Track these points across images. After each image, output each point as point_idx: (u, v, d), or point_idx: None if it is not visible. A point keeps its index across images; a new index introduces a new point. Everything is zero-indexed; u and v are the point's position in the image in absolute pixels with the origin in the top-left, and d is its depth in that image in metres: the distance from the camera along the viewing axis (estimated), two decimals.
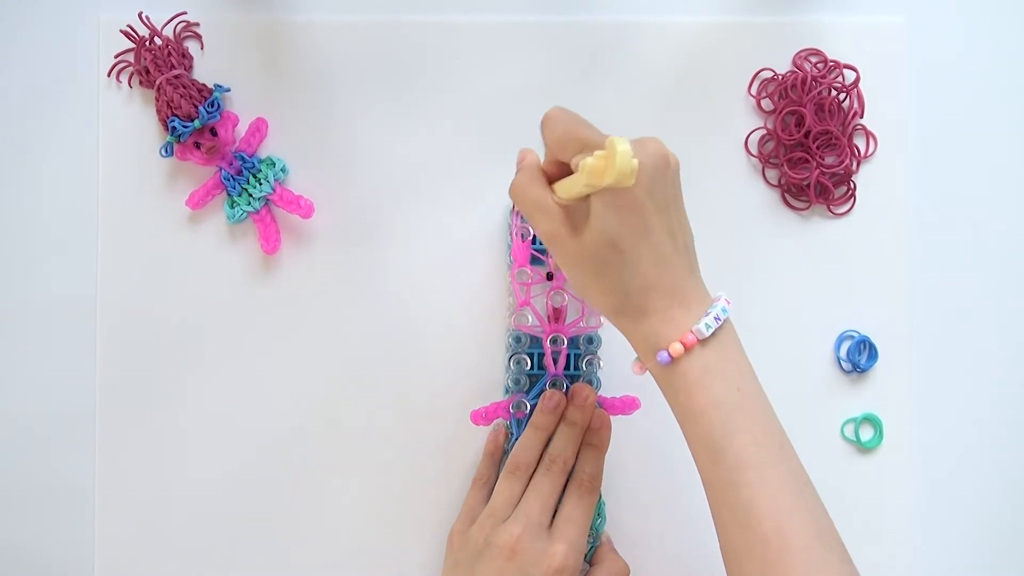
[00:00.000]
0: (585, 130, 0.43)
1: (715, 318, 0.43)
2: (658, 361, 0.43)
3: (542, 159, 0.46)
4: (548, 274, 0.56)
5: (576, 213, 0.43)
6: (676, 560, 0.58)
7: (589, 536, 0.53)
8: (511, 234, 0.56)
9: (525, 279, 0.55)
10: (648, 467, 0.58)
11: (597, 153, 0.38)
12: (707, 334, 0.43)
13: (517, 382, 0.55)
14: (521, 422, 0.54)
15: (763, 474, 0.42)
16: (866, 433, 0.59)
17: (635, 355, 0.46)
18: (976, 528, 0.59)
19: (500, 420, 0.56)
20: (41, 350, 0.57)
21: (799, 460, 0.44)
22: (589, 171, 0.38)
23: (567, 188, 0.43)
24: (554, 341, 0.55)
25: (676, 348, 0.43)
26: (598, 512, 0.55)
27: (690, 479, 0.58)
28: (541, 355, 0.56)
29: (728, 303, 0.44)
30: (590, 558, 0.55)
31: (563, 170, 0.45)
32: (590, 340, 0.56)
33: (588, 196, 0.42)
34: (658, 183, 0.42)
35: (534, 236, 0.56)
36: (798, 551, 0.41)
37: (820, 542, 0.42)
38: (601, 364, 0.56)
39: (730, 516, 0.43)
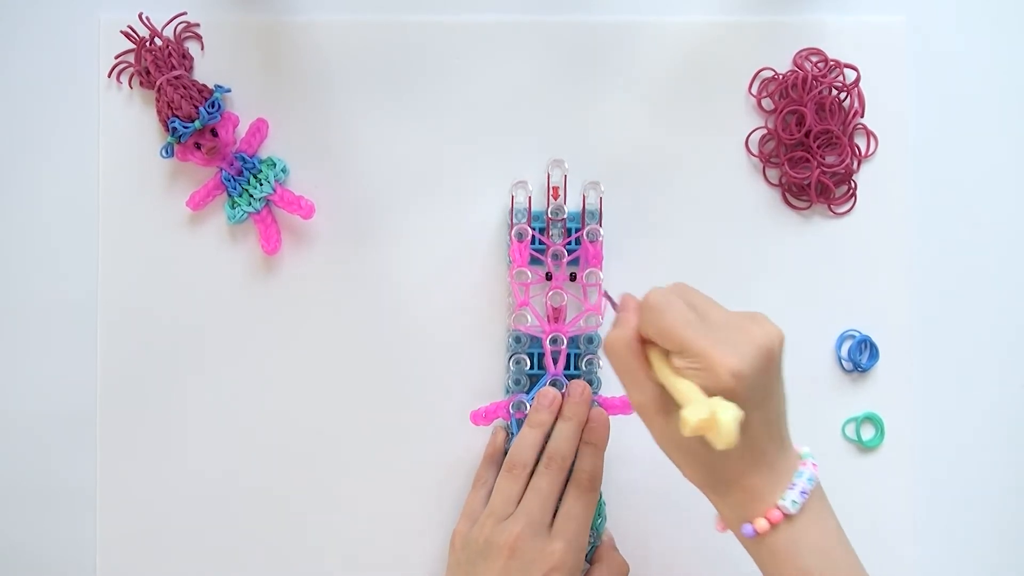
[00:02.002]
0: (686, 332, 0.41)
1: (801, 492, 0.42)
2: (743, 533, 0.43)
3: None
4: (547, 274, 0.56)
5: (668, 394, 0.42)
6: (677, 559, 0.58)
7: (590, 535, 0.52)
8: (510, 234, 0.56)
9: (524, 279, 0.55)
10: (649, 466, 0.58)
11: (700, 416, 0.37)
12: (793, 512, 0.42)
13: (517, 382, 0.55)
14: (521, 422, 0.54)
15: None
16: (867, 432, 0.59)
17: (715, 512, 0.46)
18: (977, 527, 0.59)
19: (500, 420, 0.56)
20: (42, 351, 0.58)
21: None
22: (692, 429, 0.38)
23: (664, 379, 0.42)
24: (554, 341, 0.55)
25: (762, 524, 0.42)
26: (598, 511, 0.55)
27: None
28: (541, 355, 0.56)
29: (815, 467, 0.43)
30: (591, 557, 0.55)
31: None
32: (590, 340, 0.56)
33: None
34: (760, 381, 0.41)
35: (533, 236, 0.56)
36: None
37: None
38: (601, 364, 0.56)
39: None
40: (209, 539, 0.57)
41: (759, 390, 0.41)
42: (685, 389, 0.40)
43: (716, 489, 0.44)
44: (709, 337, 0.41)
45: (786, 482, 0.43)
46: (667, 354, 0.43)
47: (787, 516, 0.42)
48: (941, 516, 0.59)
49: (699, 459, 0.43)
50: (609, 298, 0.50)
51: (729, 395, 0.39)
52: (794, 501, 0.42)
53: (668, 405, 0.43)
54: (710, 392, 0.40)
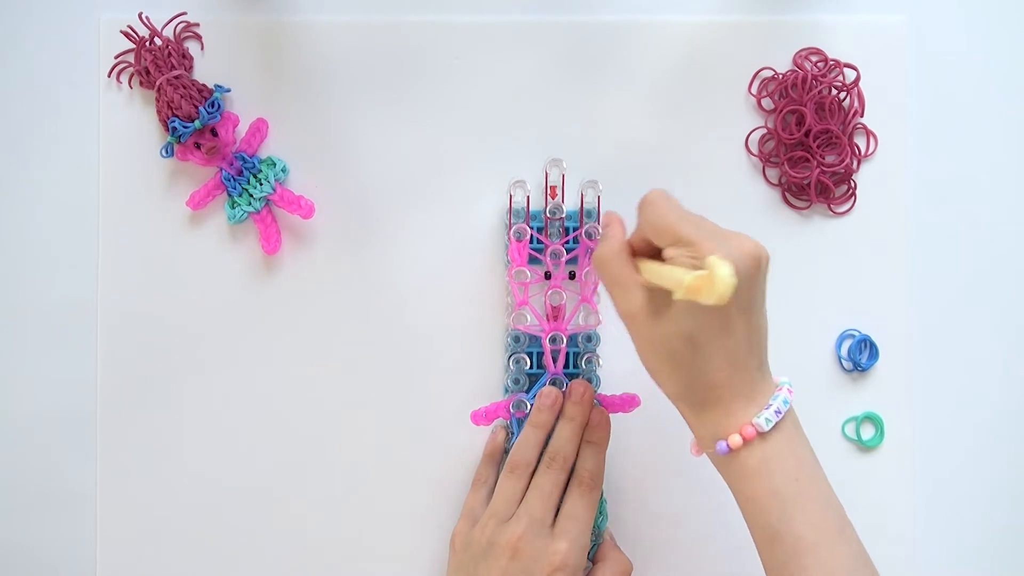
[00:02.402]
0: (683, 225, 0.43)
1: (776, 411, 0.44)
2: (716, 451, 0.44)
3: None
4: (546, 273, 0.56)
5: (657, 297, 0.44)
6: (678, 558, 0.58)
7: (592, 534, 0.52)
8: (508, 234, 0.56)
9: (523, 279, 0.55)
10: (650, 464, 0.58)
11: (697, 274, 0.39)
12: (766, 428, 0.43)
13: (517, 381, 0.55)
14: (521, 422, 0.54)
15: (820, 558, 0.43)
16: (867, 432, 0.59)
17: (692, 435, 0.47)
18: (977, 526, 0.59)
19: (500, 420, 0.56)
20: (42, 351, 0.58)
21: (860, 544, 0.45)
22: (687, 289, 0.39)
23: (654, 275, 0.44)
24: (553, 340, 0.55)
25: (735, 440, 0.44)
26: (600, 510, 0.55)
27: (692, 477, 0.58)
28: (540, 354, 0.56)
29: (790, 392, 0.45)
30: (593, 556, 0.55)
31: (650, 247, 0.46)
32: (589, 338, 0.56)
33: None
34: (745, 286, 0.42)
35: (531, 236, 0.56)
36: None
37: None
38: (600, 362, 0.56)
39: None
40: (209, 539, 0.57)
41: (744, 295, 0.42)
42: (677, 272, 0.41)
43: (693, 404, 0.45)
44: (700, 232, 0.42)
45: (762, 403, 0.44)
46: (656, 259, 0.44)
47: (760, 434, 0.44)
48: (941, 516, 0.59)
49: (682, 366, 0.44)
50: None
51: (724, 301, 0.40)
52: (768, 419, 0.43)
53: (657, 309, 0.44)
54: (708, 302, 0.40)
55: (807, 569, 0.43)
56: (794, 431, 0.45)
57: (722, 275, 0.38)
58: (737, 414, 0.44)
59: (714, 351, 0.43)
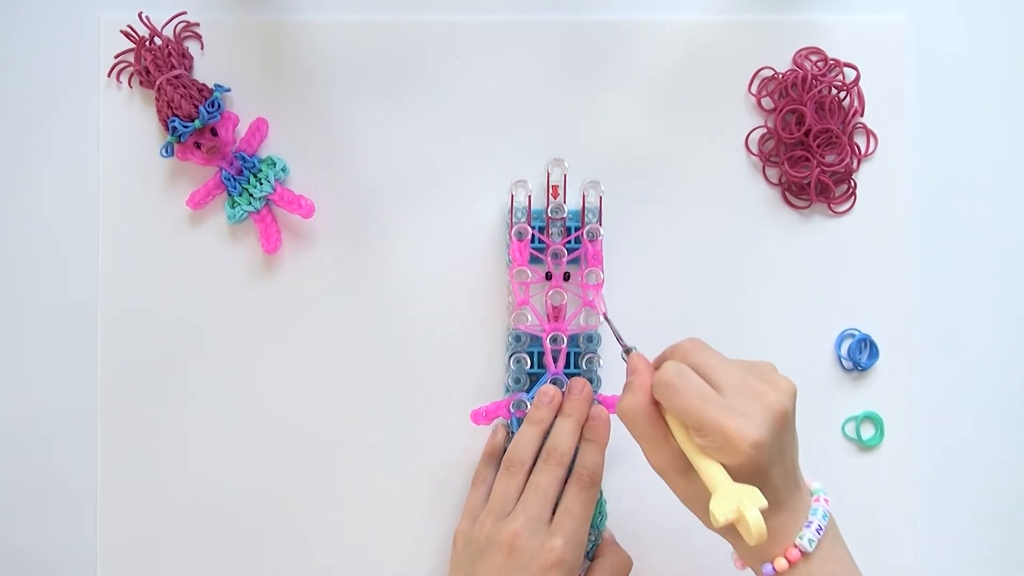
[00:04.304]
0: (701, 410, 0.43)
1: (817, 529, 0.44)
2: (764, 574, 0.44)
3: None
4: (547, 273, 0.56)
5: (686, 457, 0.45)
6: (678, 557, 0.58)
7: (591, 532, 0.52)
8: (510, 234, 0.56)
9: (524, 278, 0.55)
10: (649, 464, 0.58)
11: (729, 518, 0.40)
12: (811, 549, 0.43)
13: (517, 381, 0.55)
14: (522, 421, 0.54)
15: None
16: (867, 431, 0.59)
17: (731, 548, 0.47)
18: (977, 526, 0.59)
19: (500, 419, 0.56)
20: (42, 351, 0.57)
21: None
22: (722, 526, 0.41)
23: (688, 453, 0.44)
24: (554, 340, 0.55)
25: (781, 564, 0.44)
26: (599, 509, 0.55)
27: None
28: (541, 354, 0.56)
29: (827, 503, 0.45)
30: (592, 555, 0.55)
31: None
32: (590, 338, 0.56)
33: None
34: (777, 441, 0.43)
35: (532, 235, 0.56)
36: None
37: None
38: (601, 362, 0.56)
39: None
40: (209, 538, 0.57)
41: (776, 450, 0.43)
42: (709, 471, 0.42)
43: (735, 537, 0.45)
44: (724, 411, 0.43)
45: (802, 520, 0.44)
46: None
47: (804, 554, 0.44)
48: (941, 515, 0.59)
49: None
50: (610, 323, 0.52)
51: (751, 464, 0.42)
52: (811, 540, 0.44)
53: (688, 466, 0.44)
54: (732, 465, 0.42)
55: None
56: (835, 541, 0.45)
57: (755, 520, 0.40)
58: (779, 535, 0.44)
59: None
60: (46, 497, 0.57)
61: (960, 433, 0.59)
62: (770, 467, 0.43)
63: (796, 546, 0.44)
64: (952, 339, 0.59)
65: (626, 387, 0.47)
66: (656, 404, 0.46)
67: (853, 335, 0.59)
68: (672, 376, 0.44)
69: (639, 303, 0.58)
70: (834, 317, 0.59)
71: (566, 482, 0.52)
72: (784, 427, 0.43)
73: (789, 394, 0.44)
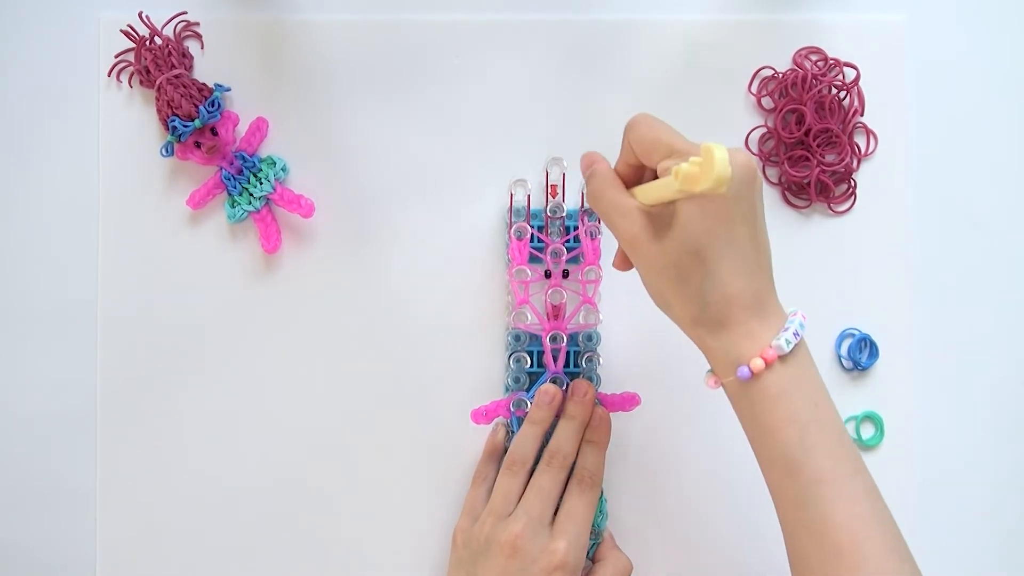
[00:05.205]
0: (673, 136, 0.43)
1: (794, 333, 0.43)
2: (738, 376, 0.43)
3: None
4: (546, 272, 0.56)
5: (658, 218, 0.44)
6: (678, 557, 0.58)
7: (591, 533, 0.52)
8: (509, 233, 0.56)
9: (523, 277, 0.55)
10: (650, 463, 0.58)
11: (692, 159, 0.38)
12: (787, 350, 0.43)
13: (517, 380, 0.55)
14: (522, 420, 0.54)
15: (840, 489, 0.42)
16: (867, 431, 0.59)
17: (707, 368, 0.46)
18: (977, 526, 0.59)
19: (500, 419, 0.56)
20: (42, 350, 0.57)
21: (871, 476, 0.44)
22: (684, 176, 0.38)
23: (651, 193, 0.43)
24: (554, 339, 0.55)
25: (757, 363, 0.43)
26: (600, 510, 0.55)
27: (691, 475, 0.58)
28: (541, 353, 0.56)
29: (805, 318, 0.44)
30: (593, 555, 0.55)
31: (636, 174, 0.46)
32: (589, 337, 0.56)
33: (672, 202, 0.42)
34: (745, 193, 0.42)
35: (532, 234, 0.56)
36: (872, 563, 0.41)
37: (895, 555, 0.42)
38: (601, 361, 0.56)
39: (804, 530, 0.43)
40: (209, 538, 0.57)
41: (745, 203, 0.42)
42: (683, 178, 0.39)
43: (710, 325, 0.44)
44: (696, 143, 0.42)
45: (778, 327, 0.44)
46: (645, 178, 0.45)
47: (780, 357, 0.43)
48: (941, 515, 0.59)
49: (692, 283, 0.43)
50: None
51: (720, 200, 0.41)
52: (788, 340, 0.42)
53: (659, 229, 0.43)
54: (704, 193, 0.39)
55: (827, 499, 0.42)
56: (809, 358, 0.44)
57: (720, 157, 0.36)
58: (755, 335, 0.43)
59: (722, 260, 0.42)
60: (46, 497, 0.57)
61: (960, 433, 0.59)
62: (739, 222, 0.42)
63: (772, 346, 0.43)
64: (952, 338, 0.59)
65: (589, 175, 0.47)
66: (619, 180, 0.46)
67: (853, 335, 0.59)
68: (642, 116, 0.45)
69: (638, 301, 0.57)
70: (834, 317, 0.59)
71: (567, 483, 0.52)
72: (751, 179, 0.42)
73: (753, 160, 0.43)
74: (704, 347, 0.45)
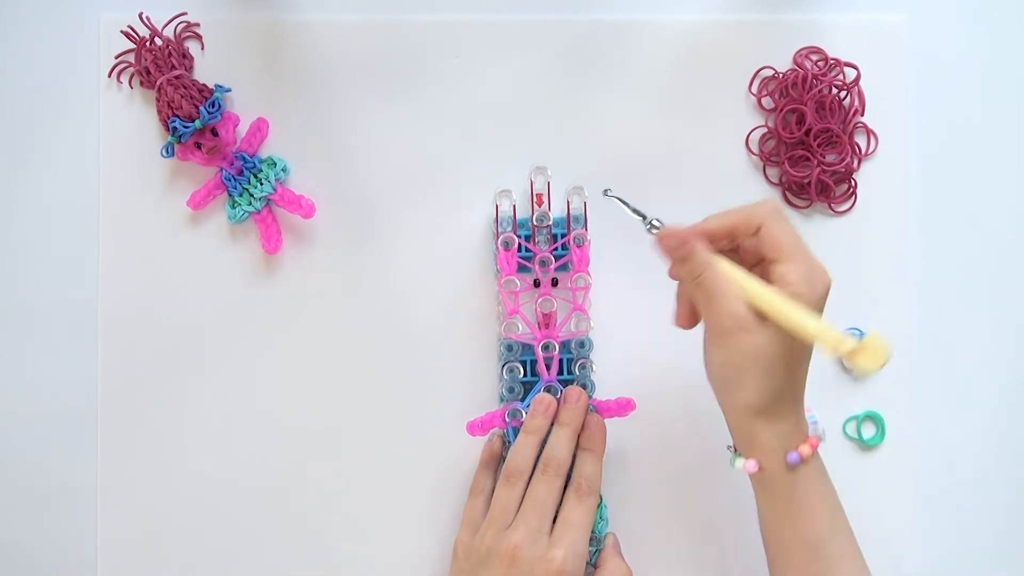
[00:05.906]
0: (797, 244, 0.46)
1: (820, 426, 0.49)
2: (788, 461, 0.46)
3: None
4: (535, 281, 0.56)
5: (755, 311, 0.46)
6: (679, 561, 0.58)
7: (591, 540, 0.52)
8: (496, 244, 0.56)
9: (513, 287, 0.55)
10: (648, 468, 0.58)
11: (853, 344, 0.43)
12: (824, 440, 0.47)
13: (511, 390, 0.55)
14: (517, 430, 0.54)
15: (855, 566, 0.47)
16: (868, 431, 0.59)
17: (731, 452, 0.49)
18: (977, 526, 0.59)
19: (496, 429, 0.56)
20: (43, 350, 0.58)
21: None
22: (847, 354, 0.43)
23: (772, 307, 0.45)
24: (546, 347, 0.55)
25: (805, 450, 0.47)
26: (600, 515, 0.55)
27: (690, 479, 0.58)
28: (534, 362, 0.55)
29: (810, 411, 0.50)
30: (594, 561, 0.55)
31: (725, 239, 0.48)
32: (582, 344, 0.55)
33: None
34: (821, 309, 0.46)
35: (519, 244, 0.55)
36: None
37: None
38: (594, 367, 0.56)
39: None
40: (209, 539, 0.57)
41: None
42: (800, 317, 0.44)
43: (770, 416, 0.46)
44: (802, 255, 0.46)
45: (804, 423, 0.48)
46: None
47: (815, 445, 0.47)
48: (941, 514, 0.59)
49: (774, 378, 0.46)
50: (622, 201, 0.52)
51: (821, 305, 0.46)
52: (825, 431, 0.49)
53: (758, 321, 0.45)
54: (808, 302, 0.45)
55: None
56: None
57: (885, 348, 0.43)
58: (799, 427, 0.47)
59: (803, 366, 0.47)
60: (46, 497, 0.57)
61: (960, 432, 0.59)
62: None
63: (812, 435, 0.47)
64: (953, 338, 0.59)
65: (692, 255, 0.48)
66: (726, 265, 0.48)
67: (854, 335, 0.58)
68: (780, 208, 0.48)
69: (628, 306, 0.58)
70: (834, 316, 0.58)
71: (565, 491, 0.52)
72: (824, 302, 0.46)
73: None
74: (751, 433, 0.47)
